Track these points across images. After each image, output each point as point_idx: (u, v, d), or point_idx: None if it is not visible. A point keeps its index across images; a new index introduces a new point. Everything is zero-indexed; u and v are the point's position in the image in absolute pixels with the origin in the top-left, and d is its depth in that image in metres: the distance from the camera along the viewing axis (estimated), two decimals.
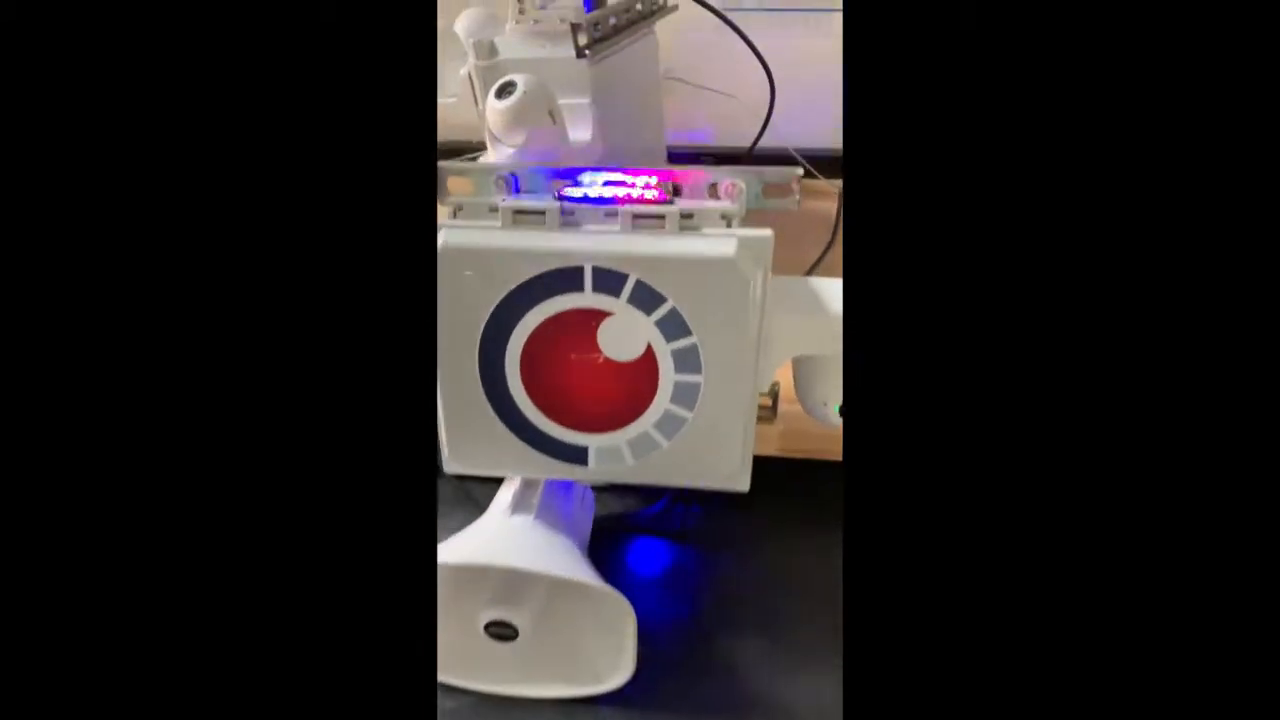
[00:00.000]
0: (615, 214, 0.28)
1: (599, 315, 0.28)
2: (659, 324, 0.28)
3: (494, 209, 0.28)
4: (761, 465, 0.37)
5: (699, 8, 0.57)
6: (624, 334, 0.28)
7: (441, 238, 0.27)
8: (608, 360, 0.29)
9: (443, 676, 0.34)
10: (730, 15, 0.60)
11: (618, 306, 0.28)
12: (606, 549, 0.42)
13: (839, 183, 0.71)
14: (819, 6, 0.71)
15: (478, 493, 0.43)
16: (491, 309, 0.28)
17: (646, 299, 0.27)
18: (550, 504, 0.35)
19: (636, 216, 0.27)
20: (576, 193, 0.34)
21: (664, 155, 0.67)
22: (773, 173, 0.35)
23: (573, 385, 0.29)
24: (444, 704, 0.34)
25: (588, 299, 0.28)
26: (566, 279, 0.27)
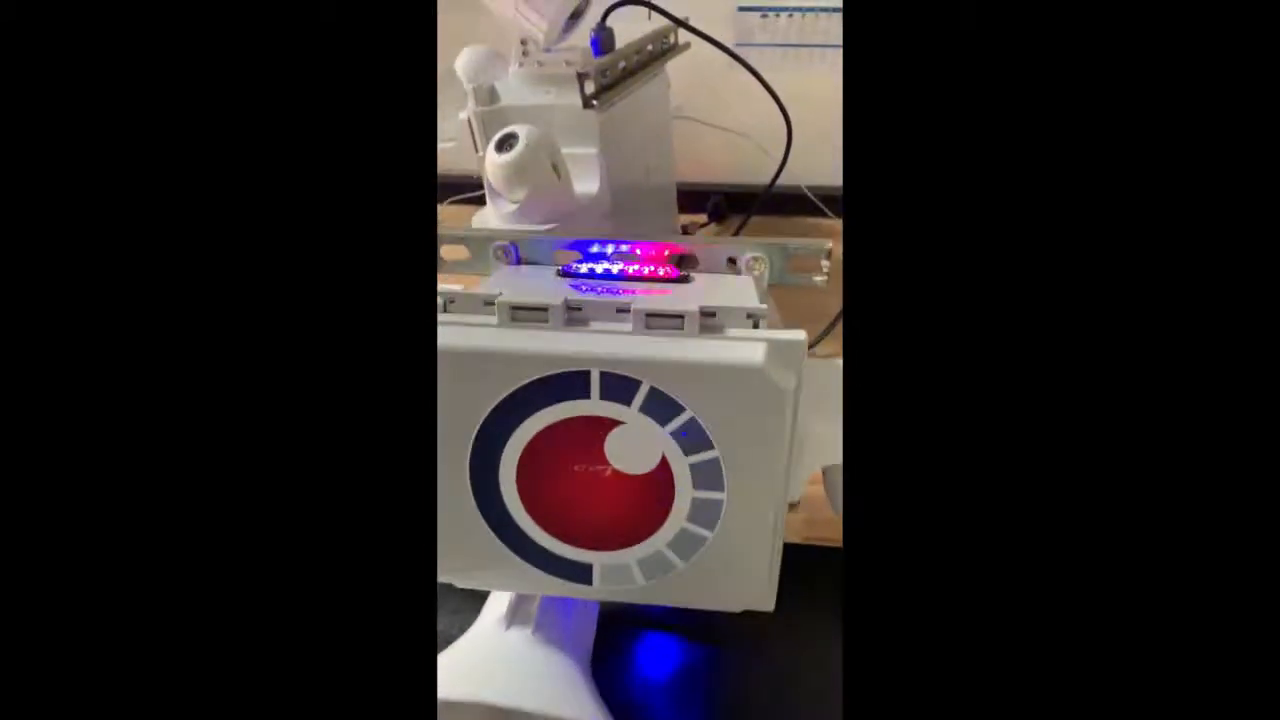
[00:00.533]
0: (627, 310, 0.24)
1: (607, 424, 0.24)
2: (675, 435, 0.24)
3: (489, 302, 0.25)
4: (783, 553, 0.34)
5: (709, 44, 0.54)
6: (635, 445, 0.25)
7: None
8: (616, 473, 0.25)
9: None
10: (741, 51, 0.57)
11: (628, 415, 0.24)
12: (613, 647, 0.38)
13: None
14: (831, 42, 0.68)
15: None
16: (484, 416, 0.25)
17: (662, 408, 0.24)
18: (549, 612, 0.32)
19: (651, 315, 0.24)
20: (582, 268, 0.31)
21: (674, 197, 0.64)
22: (799, 245, 0.32)
23: (576, 499, 0.26)
24: None
25: (594, 406, 0.24)
26: (570, 384, 0.24)
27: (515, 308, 0.24)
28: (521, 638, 0.30)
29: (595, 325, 0.24)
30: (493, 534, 0.27)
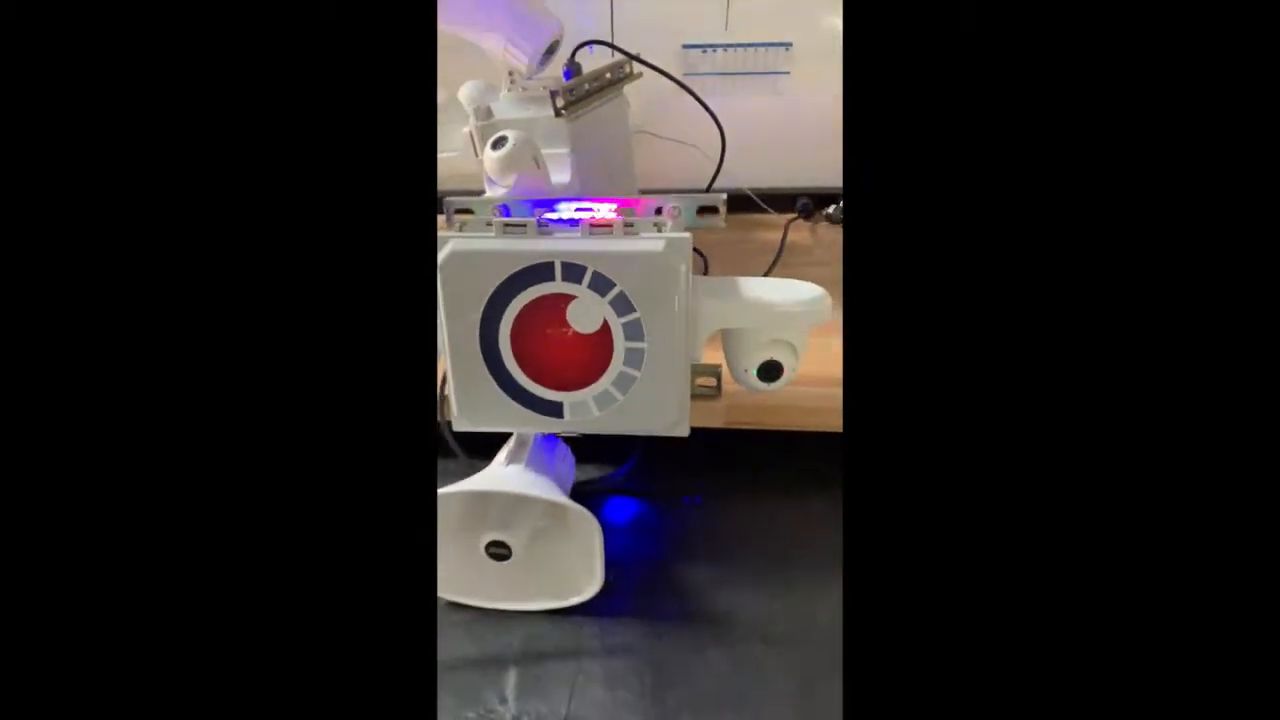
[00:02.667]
0: (577, 224, 0.38)
1: (568, 298, 0.38)
2: (612, 303, 0.38)
3: (489, 224, 0.38)
4: (709, 436, 0.47)
5: (658, 73, 0.69)
6: (586, 312, 0.38)
7: (451, 245, 0.37)
8: (576, 333, 0.38)
9: (451, 595, 0.43)
10: (689, 79, 0.72)
11: (581, 291, 0.37)
12: (584, 505, 0.51)
13: (785, 216, 0.82)
14: (766, 69, 0.84)
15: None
16: (488, 296, 0.38)
17: (602, 284, 0.37)
18: (537, 456, 0.44)
19: (593, 225, 0.38)
20: (552, 216, 0.45)
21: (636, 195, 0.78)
22: (704, 197, 0.46)
23: (550, 353, 0.39)
24: (452, 617, 0.43)
25: (559, 286, 0.38)
26: (542, 272, 0.37)
27: (506, 224, 0.38)
28: (518, 468, 0.43)
29: (557, 234, 0.38)
30: (495, 384, 0.40)
